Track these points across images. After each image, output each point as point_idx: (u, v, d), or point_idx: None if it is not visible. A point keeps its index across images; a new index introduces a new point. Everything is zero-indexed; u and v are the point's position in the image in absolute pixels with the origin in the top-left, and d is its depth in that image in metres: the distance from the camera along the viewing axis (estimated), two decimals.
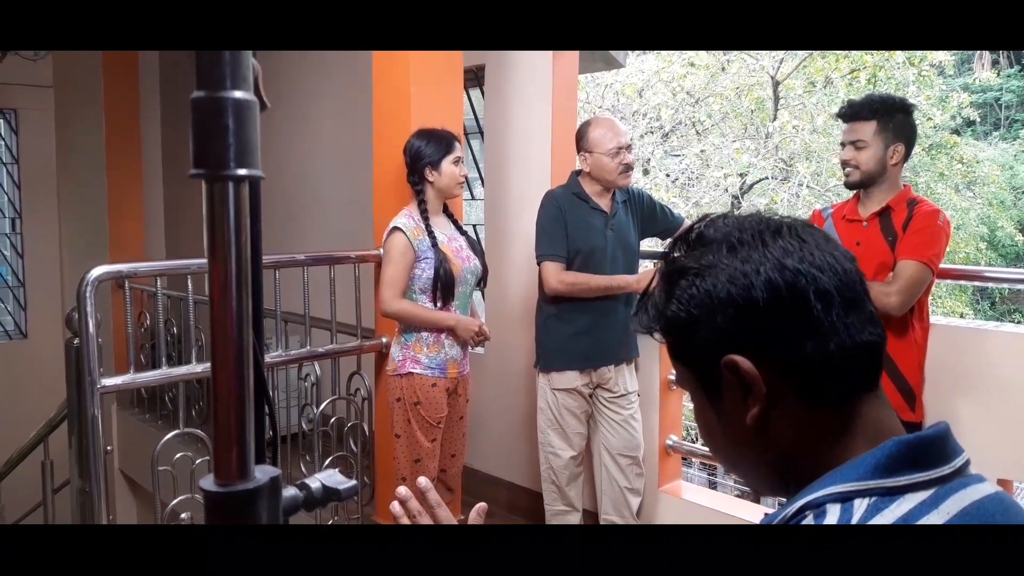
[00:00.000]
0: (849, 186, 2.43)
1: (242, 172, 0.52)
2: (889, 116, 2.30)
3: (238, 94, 0.52)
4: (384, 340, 2.95)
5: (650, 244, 3.62)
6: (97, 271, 2.31)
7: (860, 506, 0.62)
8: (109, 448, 2.30)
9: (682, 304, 0.70)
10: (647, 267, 3.16)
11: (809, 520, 0.63)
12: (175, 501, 2.50)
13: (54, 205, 6.18)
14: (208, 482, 0.53)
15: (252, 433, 0.54)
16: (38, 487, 3.97)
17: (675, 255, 0.74)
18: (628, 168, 2.74)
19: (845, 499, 0.63)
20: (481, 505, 0.98)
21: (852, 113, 2.35)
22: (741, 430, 0.69)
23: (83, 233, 5.83)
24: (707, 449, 3.49)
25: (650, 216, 2.92)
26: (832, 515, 0.62)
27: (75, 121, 5.80)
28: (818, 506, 0.64)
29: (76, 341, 2.34)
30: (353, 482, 0.64)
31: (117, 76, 5.22)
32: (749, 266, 0.67)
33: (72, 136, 5.89)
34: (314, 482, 0.62)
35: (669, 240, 0.86)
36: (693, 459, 4.03)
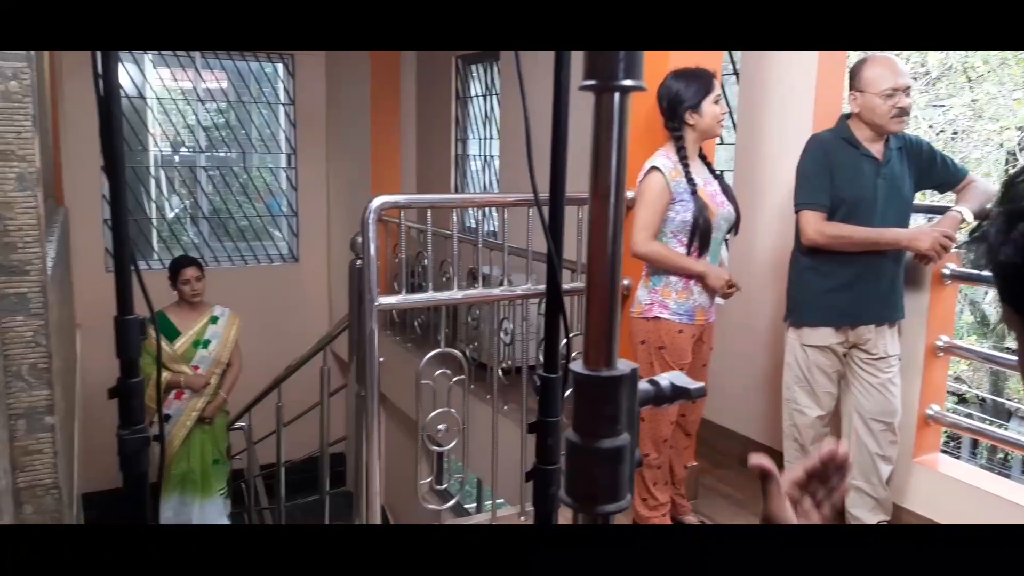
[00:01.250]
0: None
1: (628, 83, 0.55)
2: None
3: None
4: (626, 282, 2.99)
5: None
6: (379, 200, 2.53)
7: None
8: (382, 359, 2.55)
9: (1018, 249, 0.65)
10: (919, 223, 2.92)
11: None
12: (433, 413, 2.74)
13: (323, 143, 6.84)
14: (578, 366, 0.59)
15: (617, 332, 0.59)
16: (313, 390, 4.53)
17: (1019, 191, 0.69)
18: (902, 112, 2.52)
19: None
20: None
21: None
22: None
23: (348, 170, 6.42)
24: (971, 423, 3.23)
25: (929, 166, 2.68)
26: None
27: (344, 69, 6.34)
28: None
29: (359, 263, 2.60)
30: (702, 384, 0.68)
31: None
32: None
33: (341, 82, 6.46)
34: (664, 380, 0.67)
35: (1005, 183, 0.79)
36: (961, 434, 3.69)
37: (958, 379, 9.24)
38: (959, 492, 2.68)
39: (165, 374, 4.17)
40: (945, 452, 3.10)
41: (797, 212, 2.63)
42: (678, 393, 0.66)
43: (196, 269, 4.36)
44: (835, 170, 2.57)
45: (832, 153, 2.59)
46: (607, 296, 0.58)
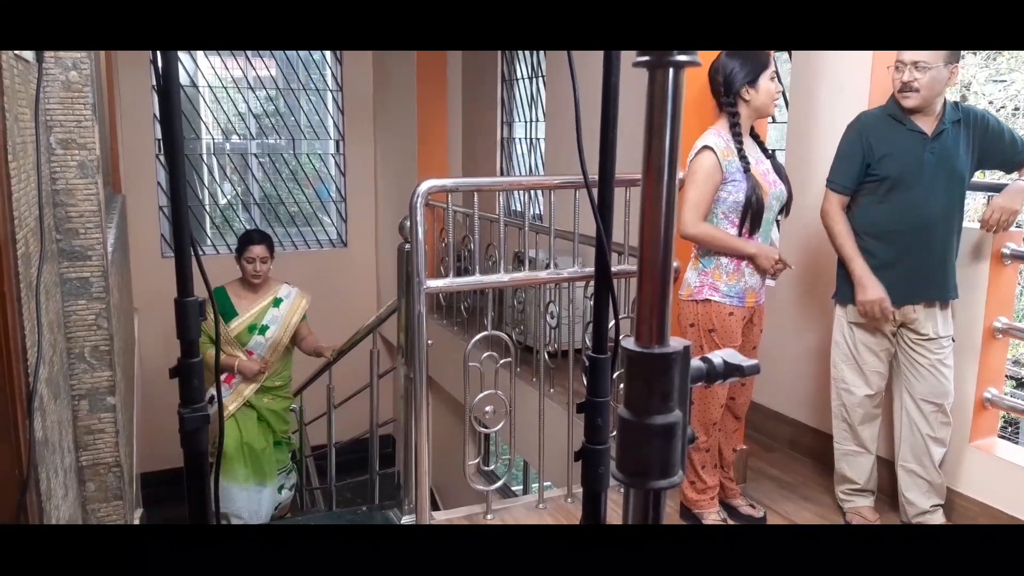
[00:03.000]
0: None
1: (682, 58, 0.55)
2: None
3: None
4: (674, 264, 2.96)
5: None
6: (426, 184, 2.55)
7: None
8: (430, 342, 2.58)
9: None
10: (979, 201, 2.84)
11: None
12: (480, 396, 2.76)
13: (370, 129, 6.90)
14: (630, 343, 0.59)
15: (669, 309, 0.59)
16: (363, 373, 4.60)
17: None
18: (905, 87, 2.48)
19: None
20: None
21: None
22: None
23: (396, 155, 6.47)
24: None
25: (993, 142, 2.59)
26: None
27: (390, 54, 6.38)
28: None
29: (407, 246, 2.62)
30: (755, 361, 0.67)
31: None
32: None
33: (388, 67, 6.50)
34: (716, 357, 0.66)
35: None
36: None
37: (1017, 362, 8.96)
38: (1017, 477, 2.61)
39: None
40: (1003, 437, 3.02)
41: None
42: (731, 370, 0.66)
43: (265, 248, 4.00)
44: (875, 147, 2.56)
45: (871, 131, 2.58)
46: (660, 273, 0.58)
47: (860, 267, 2.59)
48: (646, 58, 0.56)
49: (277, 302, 4.10)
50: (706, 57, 2.63)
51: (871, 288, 2.57)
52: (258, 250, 3.99)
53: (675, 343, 0.59)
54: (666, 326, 0.59)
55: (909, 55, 2.46)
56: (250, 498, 4.11)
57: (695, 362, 0.65)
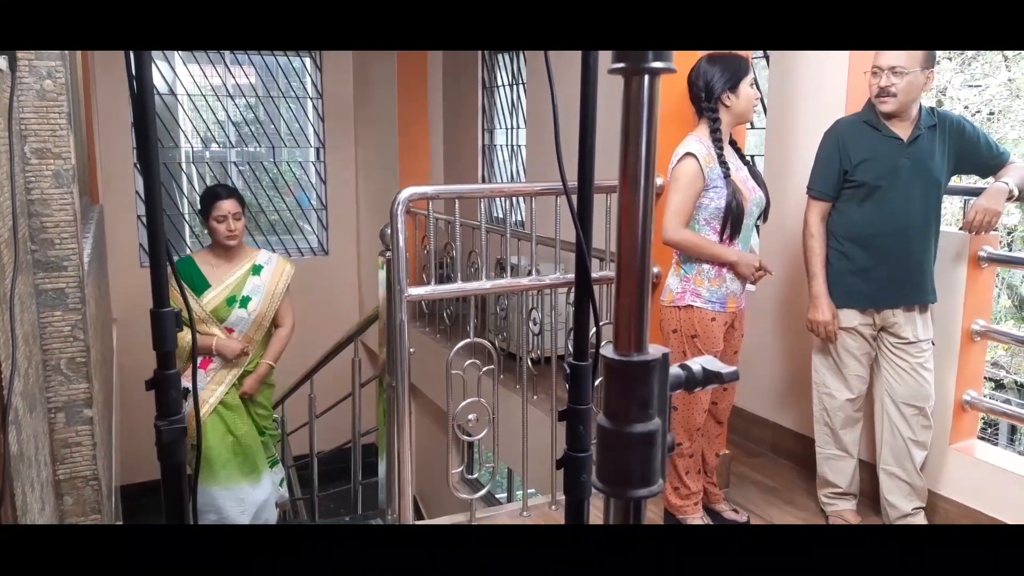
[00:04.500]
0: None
1: (658, 65, 0.55)
2: None
3: None
4: (656, 270, 2.97)
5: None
6: (407, 192, 2.54)
7: None
8: (412, 350, 2.57)
9: None
10: (956, 205, 2.87)
11: None
12: (463, 403, 2.75)
13: (351, 136, 6.88)
14: (608, 351, 0.59)
15: (647, 317, 0.59)
16: (345, 382, 4.57)
17: None
18: (882, 92, 2.50)
19: None
20: None
21: None
22: None
23: (377, 162, 6.45)
24: (1010, 409, 3.17)
25: (968, 148, 2.62)
26: None
27: (371, 61, 6.37)
28: None
29: (388, 254, 2.61)
30: (734, 368, 0.67)
31: None
32: None
33: (368, 75, 6.49)
34: (695, 365, 0.66)
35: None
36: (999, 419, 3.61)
37: (995, 364, 9.07)
38: (997, 478, 2.64)
39: (190, 334, 3.01)
40: (982, 438, 3.05)
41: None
42: (710, 377, 0.65)
43: (235, 203, 3.30)
44: (852, 153, 2.58)
45: (848, 137, 2.60)
46: (637, 281, 0.58)
47: (818, 286, 2.65)
48: (621, 65, 0.56)
49: (257, 269, 3.42)
50: (686, 63, 2.64)
51: (822, 309, 2.64)
52: (228, 205, 3.27)
53: (654, 350, 0.59)
54: (644, 333, 0.58)
55: (886, 60, 2.48)
56: (243, 500, 3.50)
57: (674, 369, 0.65)
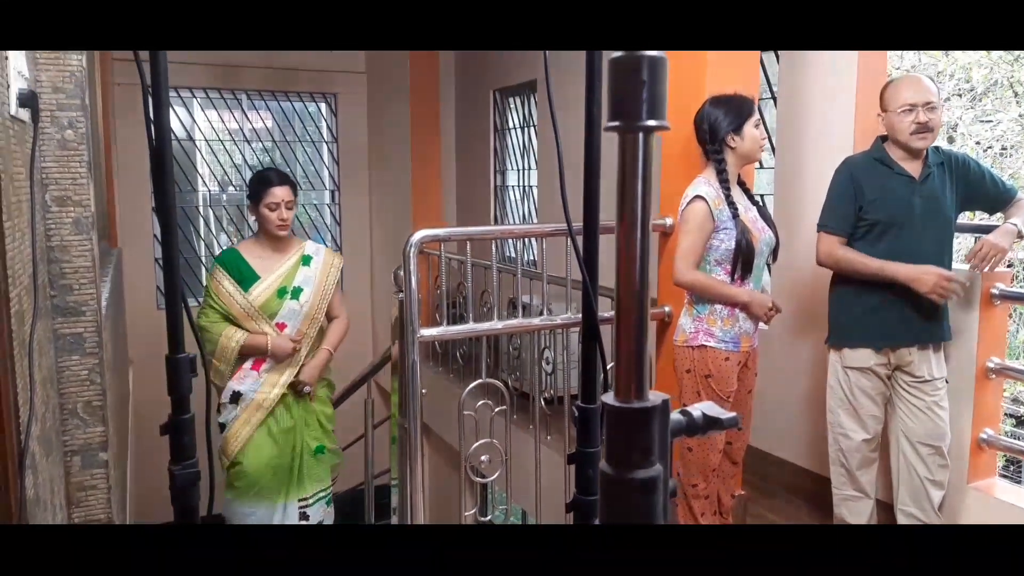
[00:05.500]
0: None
1: (652, 123, 0.57)
2: None
3: (652, 52, 0.57)
4: (667, 309, 2.98)
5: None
6: (420, 234, 2.58)
7: None
8: (424, 391, 2.58)
9: None
10: (968, 242, 2.87)
11: None
12: (476, 444, 2.75)
13: (366, 179, 6.97)
14: (609, 398, 0.60)
15: (647, 363, 0.60)
16: (358, 422, 4.56)
17: None
18: (922, 128, 2.50)
19: None
20: None
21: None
22: None
23: (391, 204, 6.53)
24: None
25: (974, 185, 2.63)
26: None
27: (385, 105, 6.49)
28: None
29: (400, 295, 2.64)
30: (734, 414, 0.68)
31: (422, 67, 5.75)
32: None
33: (382, 118, 6.60)
34: (695, 411, 0.67)
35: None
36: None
37: (1016, 400, 8.94)
38: (1016, 517, 2.60)
39: (239, 334, 3.01)
40: (1004, 476, 3.00)
41: (818, 232, 2.67)
42: (710, 423, 0.66)
43: (288, 190, 3.07)
44: (864, 192, 2.58)
45: (861, 175, 2.60)
46: (636, 329, 0.60)
47: (893, 268, 2.50)
48: (616, 124, 0.58)
49: (306, 259, 3.18)
50: (692, 107, 2.68)
51: (927, 271, 2.47)
52: (281, 192, 3.05)
53: (654, 397, 0.60)
54: (644, 380, 0.60)
55: (921, 96, 2.49)
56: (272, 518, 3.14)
57: (675, 415, 0.66)
